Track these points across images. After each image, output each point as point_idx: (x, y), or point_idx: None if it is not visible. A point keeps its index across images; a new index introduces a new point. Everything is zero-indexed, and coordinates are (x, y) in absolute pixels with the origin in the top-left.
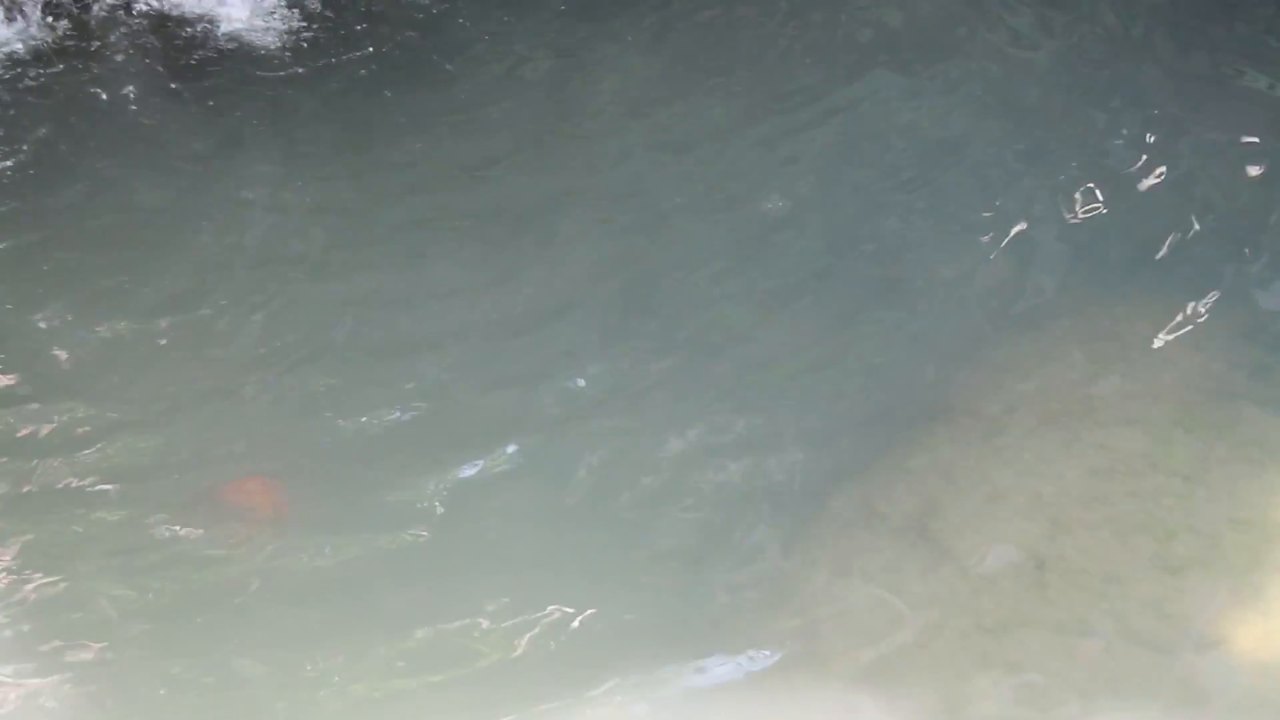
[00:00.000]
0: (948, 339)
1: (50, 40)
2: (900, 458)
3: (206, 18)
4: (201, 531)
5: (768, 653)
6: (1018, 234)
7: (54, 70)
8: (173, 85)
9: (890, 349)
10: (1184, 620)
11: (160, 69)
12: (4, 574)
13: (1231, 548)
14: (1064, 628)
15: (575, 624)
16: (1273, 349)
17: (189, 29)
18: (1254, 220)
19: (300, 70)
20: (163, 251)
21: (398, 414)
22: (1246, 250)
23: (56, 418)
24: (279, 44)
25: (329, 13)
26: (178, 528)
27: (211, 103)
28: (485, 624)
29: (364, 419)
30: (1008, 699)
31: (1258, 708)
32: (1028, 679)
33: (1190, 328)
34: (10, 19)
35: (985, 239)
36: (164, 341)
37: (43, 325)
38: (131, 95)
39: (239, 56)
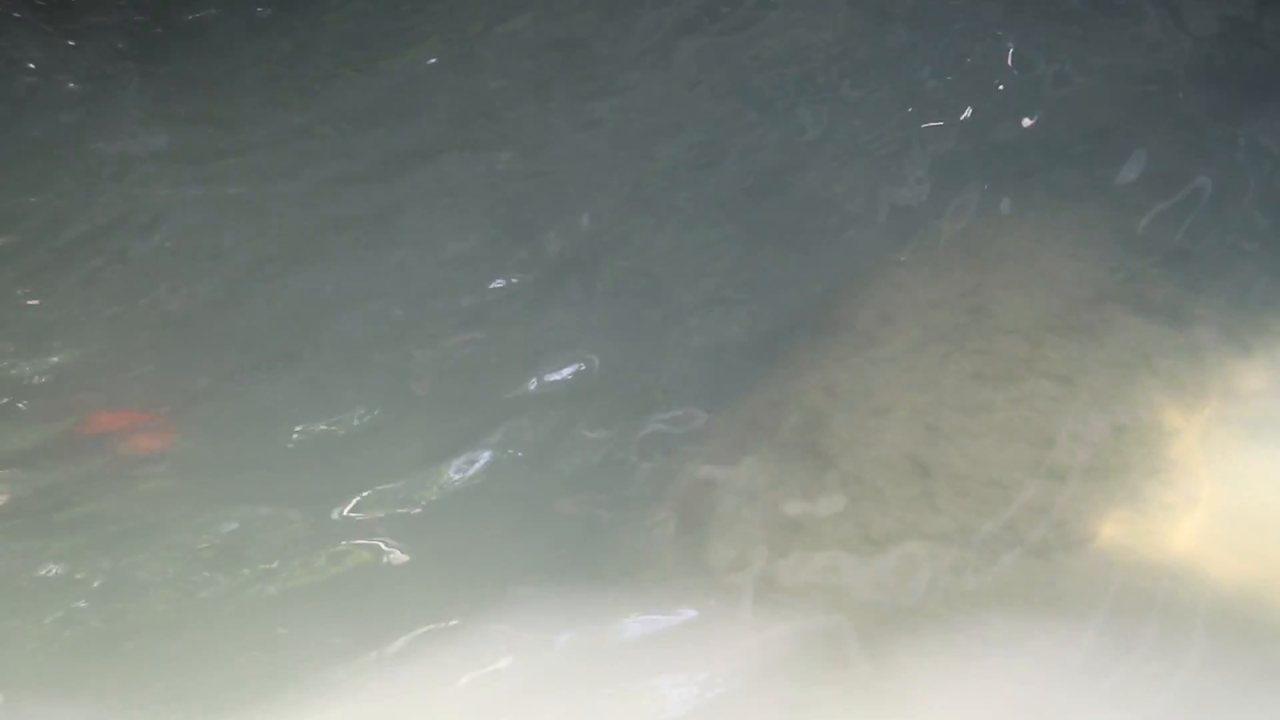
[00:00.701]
0: (830, 256)
1: None
2: (785, 375)
3: None
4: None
5: (663, 572)
6: (898, 150)
7: None
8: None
9: (776, 269)
10: (1066, 524)
11: None
12: None
13: (1110, 451)
14: (949, 536)
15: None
16: (1145, 254)
17: None
18: (1129, 130)
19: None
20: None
21: None
22: (1121, 159)
23: None
24: None
25: None
26: None
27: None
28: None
29: None
30: (900, 612)
31: (1137, 606)
32: (918, 589)
33: (1067, 236)
34: None
35: (866, 156)
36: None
37: None
38: None
39: None
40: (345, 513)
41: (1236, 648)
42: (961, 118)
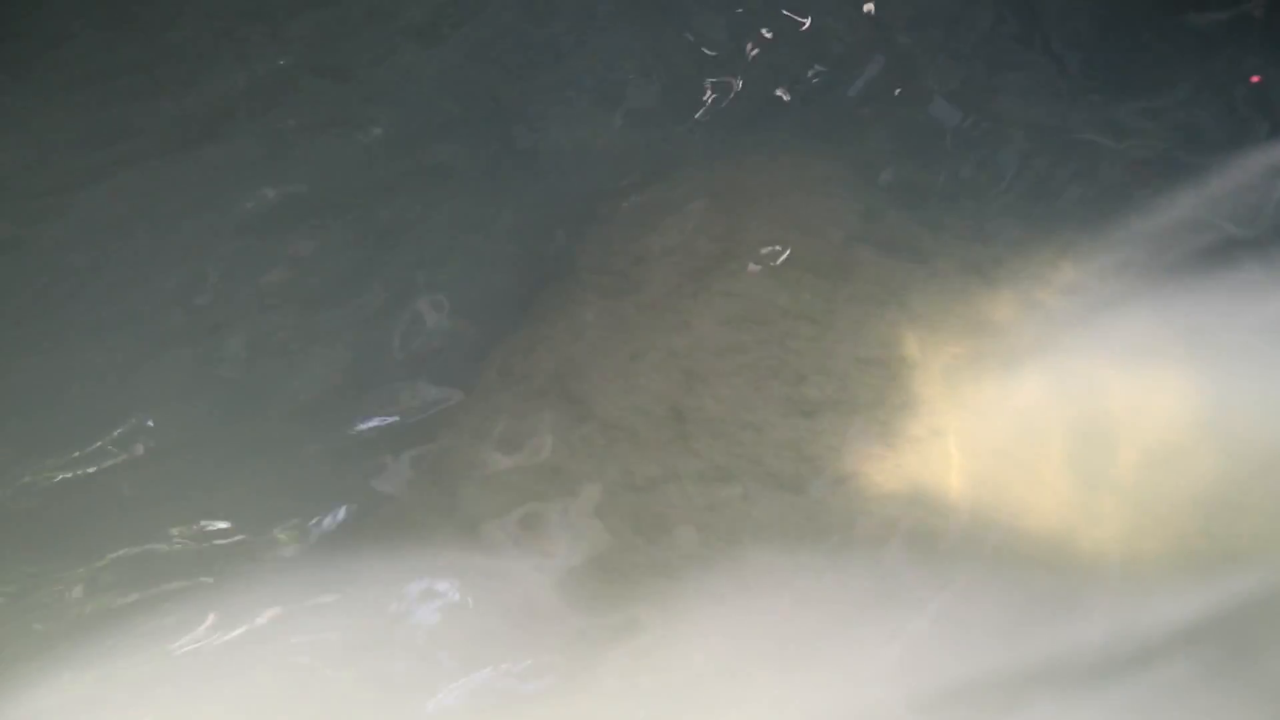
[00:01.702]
0: (576, 200)
1: None
2: (537, 321)
3: None
4: None
5: (422, 524)
6: (641, 93)
7: None
8: None
9: (520, 215)
10: (818, 460)
11: None
12: None
13: (859, 386)
14: (705, 477)
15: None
16: (886, 192)
17: None
18: (873, 71)
19: None
20: None
21: None
22: (864, 100)
23: None
24: None
25: None
26: None
27: None
28: None
29: None
30: (663, 555)
31: (889, 536)
32: (679, 532)
33: (815, 178)
34: None
35: (608, 100)
36: None
37: None
38: None
39: None
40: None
41: (986, 576)
42: (708, 60)
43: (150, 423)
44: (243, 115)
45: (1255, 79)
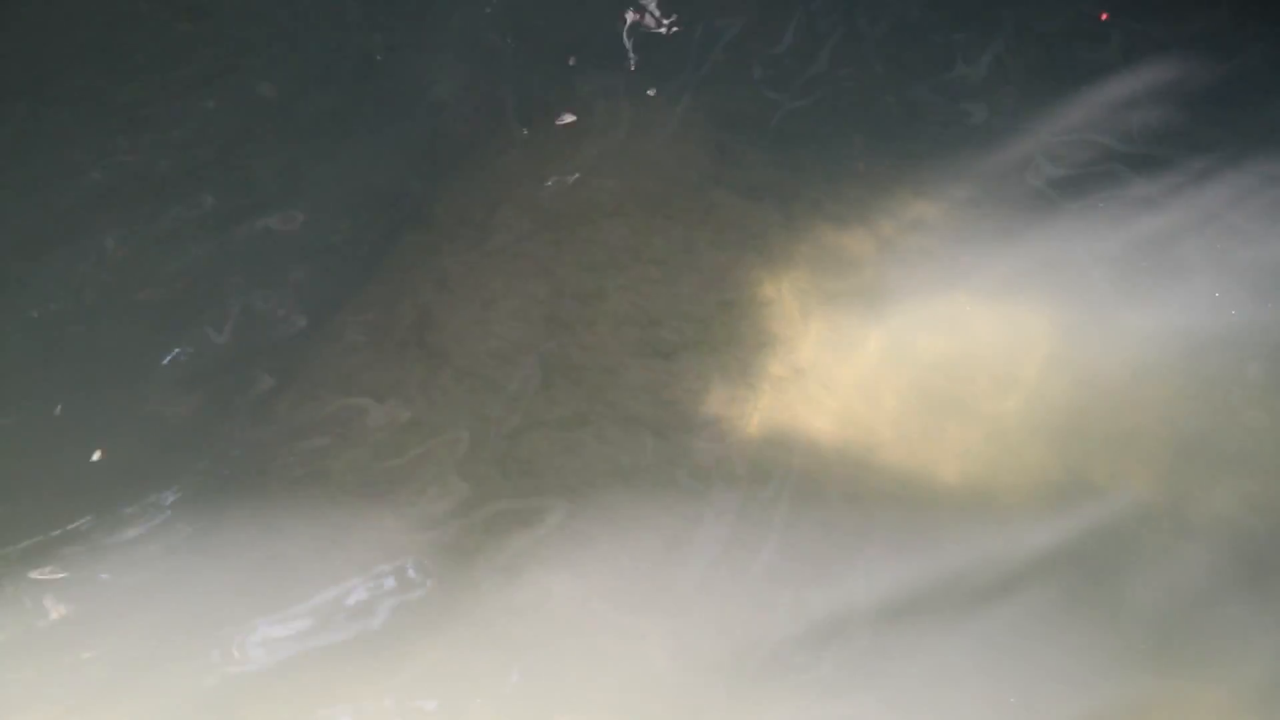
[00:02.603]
0: (432, 150)
1: None
2: (394, 272)
3: None
4: None
5: (287, 481)
6: (495, 45)
7: None
8: None
9: (377, 165)
10: (678, 402)
11: None
12: None
13: (718, 329)
14: (567, 423)
15: None
16: (741, 134)
17: None
18: (727, 17)
19: None
20: None
21: None
22: (719, 44)
23: None
24: None
25: None
26: None
27: None
28: None
29: None
30: (528, 501)
31: (753, 475)
32: (543, 478)
33: (668, 123)
34: None
35: (466, 50)
36: None
37: None
38: None
39: None
40: None
41: (847, 512)
42: (558, 14)
43: None
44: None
45: (1104, 16)
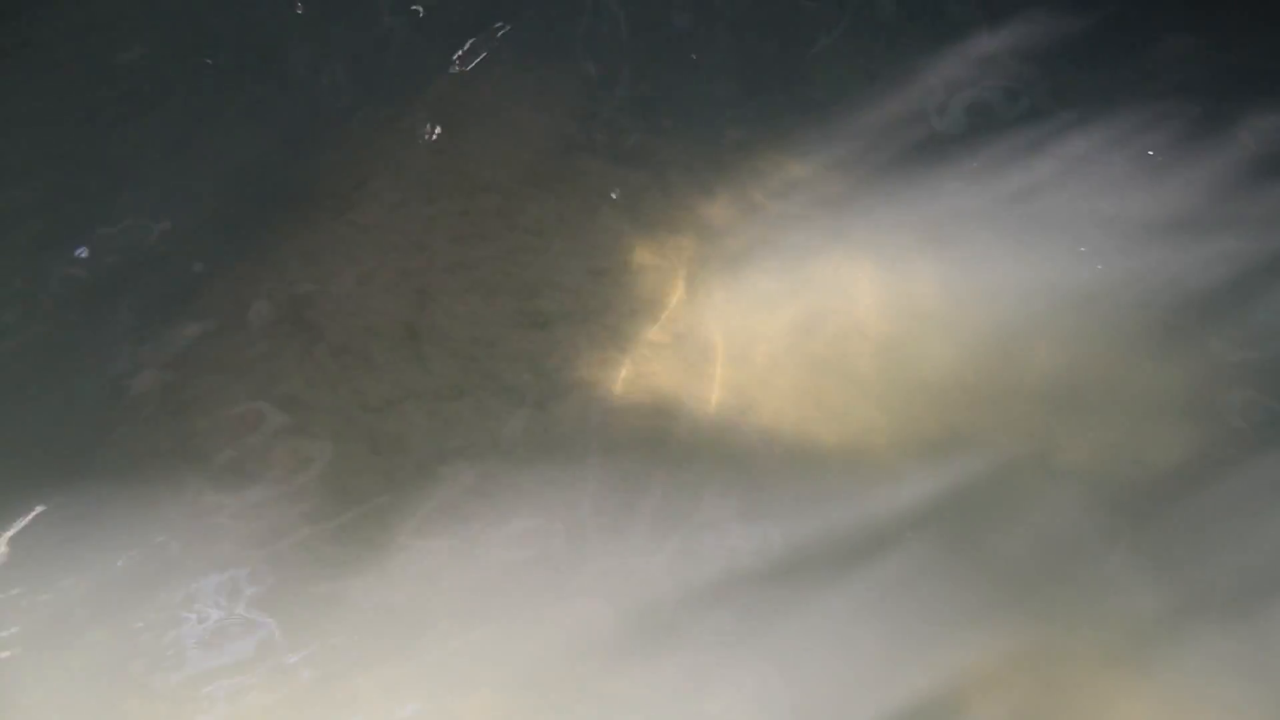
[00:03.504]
0: (300, 125)
1: None
2: (266, 248)
3: None
4: None
5: (157, 455)
6: (363, 17)
7: None
8: None
9: (245, 141)
10: (554, 372)
11: None
12: None
13: (591, 297)
14: (442, 394)
15: None
16: (611, 102)
17: None
18: None
19: None
20: None
21: None
22: (579, 12)
23: None
24: None
25: None
26: None
27: None
28: None
29: None
30: (403, 475)
31: (632, 444)
32: (418, 451)
33: (534, 90)
34: None
35: (328, 22)
36: None
37: None
38: None
39: None
40: None
41: (729, 476)
42: None
43: None
44: None
45: None
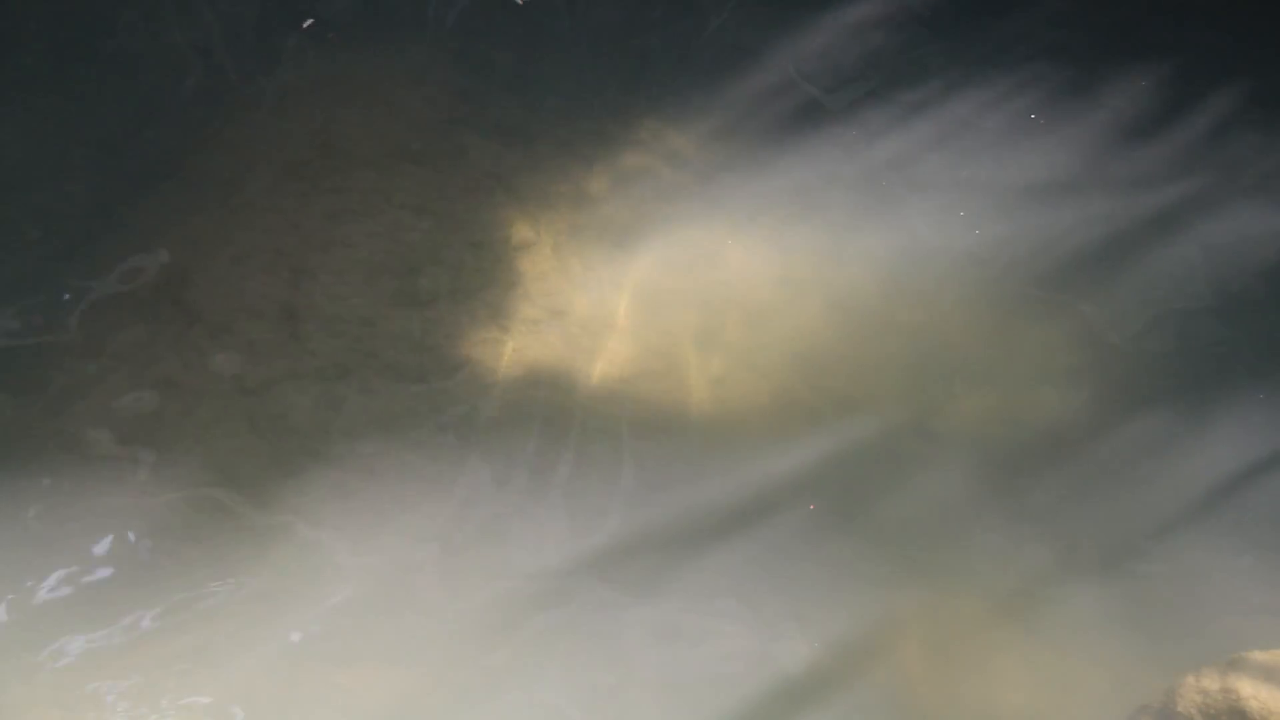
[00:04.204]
0: (172, 107)
1: None
2: (139, 231)
3: None
4: None
5: (33, 449)
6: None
7: None
8: None
9: (116, 124)
10: (436, 349)
11: None
12: None
13: (472, 273)
14: (324, 374)
15: None
16: (486, 76)
17: None
18: None
19: None
20: None
21: None
22: None
23: None
24: None
25: None
26: None
27: None
28: None
29: None
30: (286, 456)
31: (514, 418)
32: (301, 431)
33: (410, 66)
34: None
35: (200, 8)
36: None
37: None
38: None
39: None
40: None
41: (610, 447)
42: None
43: None
44: None
45: None
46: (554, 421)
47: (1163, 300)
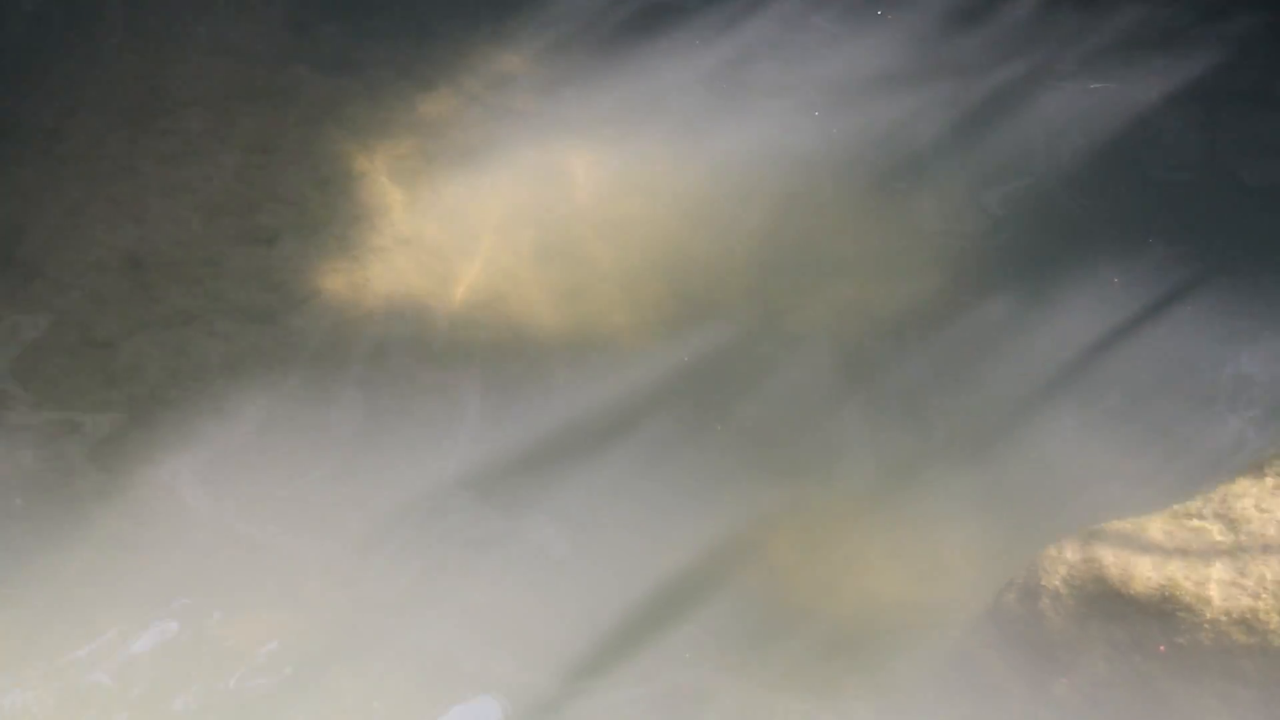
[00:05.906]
0: None
1: None
2: None
3: None
4: None
5: None
6: None
7: None
8: None
9: None
10: (284, 286)
11: None
12: None
13: (316, 207)
14: (171, 321)
15: None
16: (316, 7)
17: None
18: None
19: None
20: None
21: None
22: None
23: None
24: None
25: None
26: None
27: None
28: None
29: None
30: (139, 406)
31: (370, 351)
32: (152, 380)
33: (246, 4)
34: None
35: None
36: None
37: None
38: None
39: None
40: None
41: (471, 372)
42: None
43: None
44: None
45: None
46: (405, 349)
47: (1008, 181)
